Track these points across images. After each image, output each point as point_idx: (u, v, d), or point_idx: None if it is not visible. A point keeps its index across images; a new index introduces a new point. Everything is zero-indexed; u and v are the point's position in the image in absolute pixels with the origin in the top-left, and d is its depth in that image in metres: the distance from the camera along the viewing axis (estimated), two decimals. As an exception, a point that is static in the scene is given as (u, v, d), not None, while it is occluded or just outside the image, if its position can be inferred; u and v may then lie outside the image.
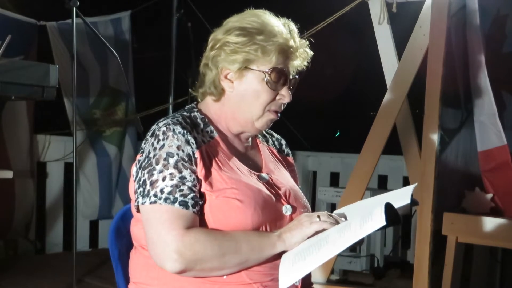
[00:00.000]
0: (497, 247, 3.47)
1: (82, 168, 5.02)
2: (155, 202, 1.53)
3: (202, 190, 1.57)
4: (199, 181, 1.57)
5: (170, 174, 1.54)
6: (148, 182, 1.55)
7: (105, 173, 5.12)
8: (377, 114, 3.57)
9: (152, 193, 1.53)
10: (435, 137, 3.10)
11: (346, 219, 1.64)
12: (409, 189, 1.64)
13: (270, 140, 1.90)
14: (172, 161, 1.55)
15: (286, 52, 1.66)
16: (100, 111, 5.11)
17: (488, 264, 3.61)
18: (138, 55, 5.33)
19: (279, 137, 1.94)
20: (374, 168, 3.61)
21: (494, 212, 3.17)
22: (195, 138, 1.60)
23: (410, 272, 3.35)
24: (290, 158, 1.92)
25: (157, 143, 1.58)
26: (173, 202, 1.52)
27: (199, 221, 1.55)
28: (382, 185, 5.09)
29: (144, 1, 5.37)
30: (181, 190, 1.53)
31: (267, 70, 1.64)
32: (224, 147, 1.67)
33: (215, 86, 1.69)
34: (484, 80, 3.20)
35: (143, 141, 1.64)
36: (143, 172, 1.57)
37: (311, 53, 1.72)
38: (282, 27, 1.67)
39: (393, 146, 3.94)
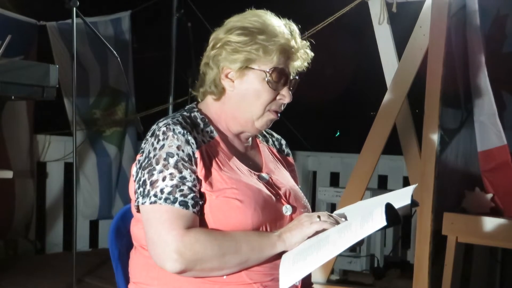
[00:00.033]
0: (497, 247, 3.47)
1: (82, 168, 5.02)
2: (155, 202, 1.53)
3: (202, 190, 1.57)
4: (199, 181, 1.57)
5: (170, 174, 1.54)
6: (148, 182, 1.55)
7: (105, 173, 5.12)
8: (377, 114, 3.57)
9: (152, 193, 1.53)
10: (435, 137, 3.10)
11: (346, 219, 1.64)
12: (409, 190, 1.64)
13: (270, 140, 1.90)
14: (172, 161, 1.55)
15: (287, 52, 1.66)
16: (100, 111, 5.11)
17: (488, 264, 3.61)
18: (138, 55, 5.33)
19: (279, 137, 1.94)
20: (374, 168, 3.61)
21: (494, 212, 3.17)
22: (195, 138, 1.60)
23: (410, 272, 3.35)
24: (290, 158, 1.92)
25: (157, 143, 1.58)
26: (173, 202, 1.52)
27: (199, 221, 1.55)
28: (382, 185, 5.09)
29: (144, 1, 5.37)
30: (181, 190, 1.53)
31: (268, 70, 1.64)
32: (224, 147, 1.67)
33: (215, 85, 1.69)
34: (484, 80, 3.20)
35: (143, 141, 1.64)
36: (143, 172, 1.57)
37: (311, 54, 1.72)
38: (284, 27, 1.68)
39: (393, 146, 3.94)
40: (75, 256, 3.59)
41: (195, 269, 1.51)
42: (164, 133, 1.58)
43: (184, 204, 1.52)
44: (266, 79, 1.64)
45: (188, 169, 1.55)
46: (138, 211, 1.60)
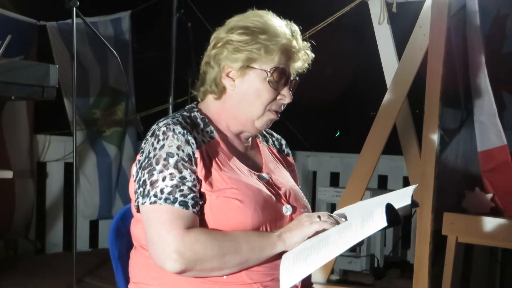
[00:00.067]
0: (497, 247, 3.47)
1: (82, 168, 5.02)
2: (155, 202, 1.53)
3: (202, 190, 1.57)
4: (199, 181, 1.57)
5: (170, 174, 1.54)
6: (148, 182, 1.55)
7: (105, 173, 5.12)
8: (377, 114, 3.57)
9: (152, 193, 1.53)
10: (435, 137, 3.10)
11: (346, 219, 1.64)
12: (409, 190, 1.64)
13: (270, 140, 1.90)
14: (172, 161, 1.55)
15: (288, 53, 1.66)
16: (100, 111, 5.11)
17: (488, 264, 3.61)
18: (138, 55, 5.33)
19: (279, 137, 1.94)
20: (374, 168, 3.61)
21: (494, 212, 3.17)
22: (195, 138, 1.60)
23: (410, 272, 3.35)
24: (290, 158, 1.92)
25: (157, 143, 1.58)
26: (173, 202, 1.52)
27: (199, 221, 1.55)
28: (382, 185, 5.09)
29: (144, 1, 5.37)
30: (181, 190, 1.53)
31: (269, 70, 1.64)
32: (224, 147, 1.67)
33: (216, 84, 1.69)
34: (484, 80, 3.20)
35: (143, 141, 1.64)
36: (143, 172, 1.57)
37: (312, 55, 1.72)
38: (285, 27, 1.68)
39: (393, 146, 3.93)
40: (75, 256, 3.59)
41: (195, 269, 1.51)
42: (164, 133, 1.58)
43: (184, 204, 1.52)
44: (267, 78, 1.65)
45: (188, 169, 1.55)
46: (138, 211, 1.60)
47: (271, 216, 1.61)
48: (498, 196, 3.19)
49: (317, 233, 1.54)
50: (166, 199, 1.52)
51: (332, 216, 1.59)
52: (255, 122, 1.69)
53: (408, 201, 1.59)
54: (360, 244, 1.47)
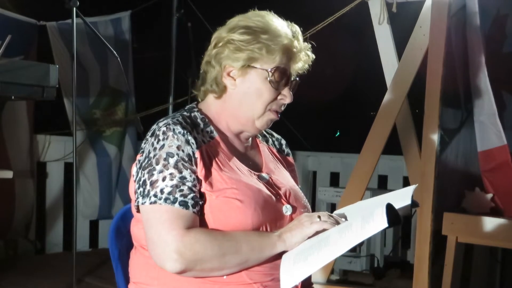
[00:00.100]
0: (497, 247, 3.47)
1: (82, 168, 5.02)
2: (155, 202, 1.53)
3: (202, 190, 1.57)
4: (199, 181, 1.57)
5: (170, 174, 1.54)
6: (148, 182, 1.55)
7: (105, 173, 5.12)
8: (377, 114, 3.57)
9: (152, 193, 1.53)
10: (435, 137, 3.10)
11: (346, 219, 1.64)
12: (409, 190, 1.64)
13: (270, 140, 1.90)
14: (172, 161, 1.55)
15: (289, 53, 1.67)
16: (100, 111, 5.11)
17: (488, 264, 3.61)
18: (138, 55, 5.33)
19: (279, 137, 1.94)
20: (374, 168, 3.61)
21: (494, 212, 3.17)
22: (195, 138, 1.60)
23: (410, 272, 3.35)
24: (290, 158, 1.92)
25: (157, 143, 1.58)
26: (173, 202, 1.52)
27: (199, 221, 1.55)
28: (382, 185, 5.09)
29: (144, 1, 5.37)
30: (181, 190, 1.53)
31: (270, 69, 1.65)
32: (224, 147, 1.67)
33: (217, 84, 1.69)
34: (484, 80, 3.20)
35: (143, 141, 1.64)
36: (143, 172, 1.57)
37: (312, 56, 1.72)
38: (287, 28, 1.68)
39: (393, 146, 3.93)
40: (75, 256, 3.59)
41: (195, 269, 1.51)
42: (164, 133, 1.58)
43: (184, 204, 1.52)
44: (268, 78, 1.65)
45: (188, 169, 1.55)
46: (138, 211, 1.60)
47: (271, 216, 1.61)
48: (498, 196, 3.19)
49: (317, 233, 1.54)
50: (166, 199, 1.52)
51: (332, 216, 1.59)
52: (255, 122, 1.69)
53: (408, 201, 1.59)
54: (360, 244, 1.47)
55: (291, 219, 1.64)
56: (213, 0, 6.32)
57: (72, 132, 3.89)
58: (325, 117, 11.14)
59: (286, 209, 1.66)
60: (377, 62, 3.90)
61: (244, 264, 1.54)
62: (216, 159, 1.63)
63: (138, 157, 1.63)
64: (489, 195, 3.19)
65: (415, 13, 3.56)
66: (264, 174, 1.71)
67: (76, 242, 3.71)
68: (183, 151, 1.56)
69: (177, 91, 5.06)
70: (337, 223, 1.56)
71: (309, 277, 1.80)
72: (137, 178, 1.59)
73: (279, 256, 1.56)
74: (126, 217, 1.78)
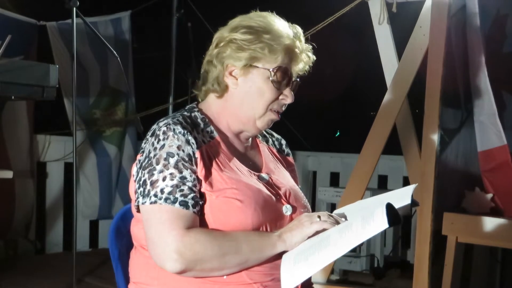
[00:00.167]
0: (497, 247, 3.47)
1: (82, 168, 5.02)
2: (155, 202, 1.53)
3: (202, 190, 1.57)
4: (199, 181, 1.57)
5: (171, 174, 1.54)
6: (148, 182, 1.55)
7: (105, 173, 5.12)
8: (377, 114, 3.57)
9: (152, 193, 1.53)
10: (435, 137, 3.10)
11: (346, 219, 1.64)
12: (409, 190, 1.64)
13: (270, 140, 1.90)
14: (172, 161, 1.55)
15: (291, 53, 1.67)
16: (100, 111, 5.11)
17: (488, 264, 3.61)
18: (138, 55, 5.33)
19: (279, 137, 1.94)
20: (374, 168, 3.61)
21: (494, 212, 3.17)
22: (195, 138, 1.60)
23: (410, 272, 3.35)
24: (290, 158, 1.92)
25: (158, 143, 1.58)
26: (173, 202, 1.52)
27: (199, 221, 1.55)
28: (382, 185, 5.09)
29: (144, 1, 5.37)
30: (182, 190, 1.53)
31: (272, 69, 1.65)
32: (224, 147, 1.67)
33: (218, 83, 1.69)
34: (484, 80, 3.20)
35: (144, 141, 1.64)
36: (143, 172, 1.57)
37: (313, 57, 1.73)
38: (288, 28, 1.69)
39: (393, 146, 3.93)
40: (75, 256, 3.59)
41: (195, 269, 1.51)
42: (164, 133, 1.58)
43: (184, 204, 1.52)
44: (271, 78, 1.65)
45: (189, 169, 1.55)
46: (138, 211, 1.60)
47: (271, 216, 1.61)
48: (498, 196, 3.19)
49: (317, 233, 1.54)
50: (166, 199, 1.52)
51: (332, 216, 1.59)
52: (256, 122, 1.69)
53: (408, 201, 1.59)
54: (360, 244, 1.47)
55: (291, 219, 1.64)
56: (213, 0, 6.32)
57: (72, 132, 3.89)
58: (325, 117, 11.14)
59: (286, 209, 1.66)
60: (377, 62, 3.90)
61: (244, 264, 1.54)
62: (216, 159, 1.63)
63: (138, 157, 1.63)
64: (489, 195, 3.19)
65: (415, 13, 3.56)
66: (264, 174, 1.71)
67: (76, 242, 3.71)
68: (183, 151, 1.56)
69: (177, 91, 5.06)
70: (337, 223, 1.56)
71: (309, 277, 1.80)
72: (137, 178, 1.59)
73: (279, 256, 1.56)
74: (126, 217, 1.78)
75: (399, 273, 4.18)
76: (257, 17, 1.69)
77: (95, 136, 5.10)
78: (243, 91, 1.67)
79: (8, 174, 3.63)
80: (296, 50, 1.67)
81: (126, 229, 1.76)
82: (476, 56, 3.23)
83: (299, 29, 1.71)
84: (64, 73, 4.28)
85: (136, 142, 5.23)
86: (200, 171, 1.57)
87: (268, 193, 1.64)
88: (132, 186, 1.64)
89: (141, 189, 1.56)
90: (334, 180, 5.38)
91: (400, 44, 3.76)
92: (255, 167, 1.73)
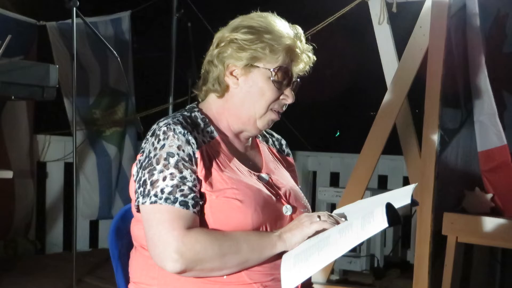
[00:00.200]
0: (497, 247, 3.47)
1: (82, 168, 5.02)
2: (155, 202, 1.53)
3: (202, 190, 1.57)
4: (199, 181, 1.57)
5: (171, 174, 1.54)
6: (148, 182, 1.55)
7: (105, 173, 5.12)
8: (377, 114, 3.57)
9: (152, 193, 1.53)
10: (435, 137, 3.10)
11: (346, 219, 1.64)
12: (409, 189, 1.64)
13: (270, 140, 1.90)
14: (172, 161, 1.55)
15: (292, 54, 1.67)
16: (100, 111, 5.11)
17: (488, 264, 3.61)
18: (138, 55, 5.33)
19: (279, 137, 1.94)
20: (374, 168, 3.61)
21: (494, 212, 3.17)
22: (195, 138, 1.60)
23: (410, 272, 3.35)
24: (290, 158, 1.93)
25: (158, 142, 1.58)
26: (174, 202, 1.52)
27: (200, 221, 1.55)
28: (382, 185, 5.09)
29: (144, 1, 5.37)
30: (182, 190, 1.53)
31: (273, 69, 1.65)
32: (224, 147, 1.67)
33: (219, 83, 1.69)
34: (484, 80, 3.20)
35: (144, 141, 1.64)
36: (143, 172, 1.57)
37: (313, 58, 1.73)
38: (289, 29, 1.69)
39: (393, 146, 3.93)
40: (75, 256, 3.59)
41: (195, 269, 1.51)
42: (164, 132, 1.58)
43: (184, 204, 1.52)
44: (272, 78, 1.65)
45: (189, 169, 1.55)
46: (138, 211, 1.60)
47: (271, 216, 1.61)
48: (498, 196, 3.19)
49: (317, 233, 1.54)
50: (166, 199, 1.52)
51: (332, 216, 1.59)
52: (257, 121, 1.69)
53: (408, 200, 1.59)
54: (360, 244, 1.47)
55: (291, 219, 1.64)
56: (213, 0, 6.32)
57: (72, 132, 3.88)
58: (325, 117, 11.13)
59: (286, 209, 1.66)
60: (377, 62, 3.90)
61: (244, 264, 1.54)
62: (216, 159, 1.63)
63: (139, 157, 1.63)
64: (489, 195, 3.19)
65: (415, 13, 3.56)
66: (264, 175, 1.71)
67: (76, 242, 3.71)
68: (183, 151, 1.56)
69: (177, 91, 5.06)
70: (337, 223, 1.57)
71: (309, 277, 1.80)
72: (138, 178, 1.59)
73: (279, 256, 1.56)
74: (126, 217, 1.78)
75: (399, 273, 4.19)
76: (258, 17, 1.69)
77: (95, 136, 5.10)
78: (244, 91, 1.67)
79: (8, 174, 3.62)
80: (297, 50, 1.68)
81: (126, 229, 1.76)
82: (476, 56, 3.23)
83: (299, 30, 1.72)
84: (64, 73, 4.29)
85: (136, 142, 5.23)
86: (200, 171, 1.57)
87: (268, 193, 1.64)
88: (132, 186, 1.64)
89: (141, 189, 1.56)
90: (334, 180, 5.38)
91: (400, 44, 3.76)
92: (255, 167, 1.73)
